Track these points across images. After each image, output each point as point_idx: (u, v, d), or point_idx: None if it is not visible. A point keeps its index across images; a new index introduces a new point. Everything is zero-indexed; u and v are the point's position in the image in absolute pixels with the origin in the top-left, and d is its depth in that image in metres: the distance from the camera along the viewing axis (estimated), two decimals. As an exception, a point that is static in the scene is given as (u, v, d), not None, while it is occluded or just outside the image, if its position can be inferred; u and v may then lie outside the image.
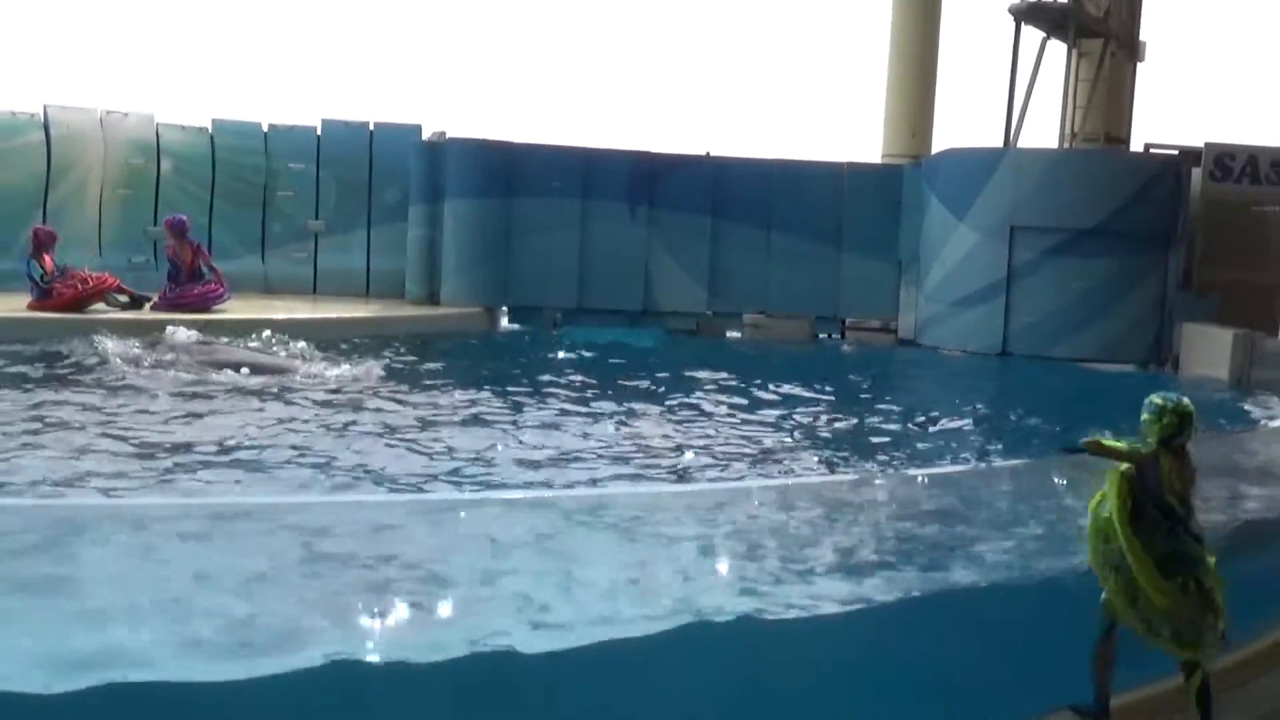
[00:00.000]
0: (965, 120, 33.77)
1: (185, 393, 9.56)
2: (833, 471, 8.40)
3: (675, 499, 6.01)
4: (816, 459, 8.76)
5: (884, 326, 15.76)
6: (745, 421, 10.03)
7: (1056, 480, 5.94)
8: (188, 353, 10.77)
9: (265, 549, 4.54)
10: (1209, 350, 12.92)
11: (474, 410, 9.84)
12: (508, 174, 15.13)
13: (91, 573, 4.29)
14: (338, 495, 6.74)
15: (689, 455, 8.54)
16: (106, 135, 14.86)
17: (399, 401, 9.83)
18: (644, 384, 11.55)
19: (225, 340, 11.42)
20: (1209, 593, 4.33)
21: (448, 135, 15.71)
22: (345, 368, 10.93)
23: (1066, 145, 17.10)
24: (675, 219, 15.50)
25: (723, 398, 11.01)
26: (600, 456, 8.39)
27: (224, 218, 15.35)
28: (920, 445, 9.50)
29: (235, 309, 13.17)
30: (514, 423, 9.36)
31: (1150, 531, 4.32)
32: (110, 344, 10.90)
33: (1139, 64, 18.82)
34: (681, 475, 7.97)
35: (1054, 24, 17.05)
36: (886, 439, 9.65)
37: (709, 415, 10.21)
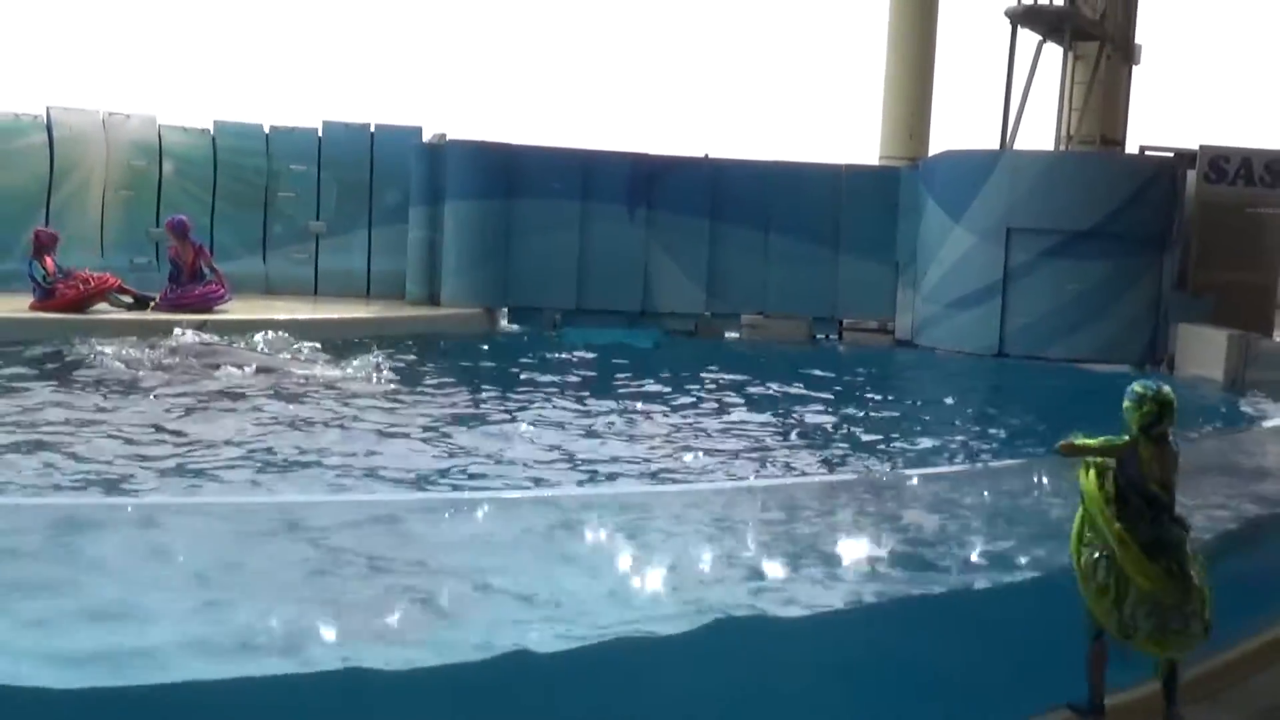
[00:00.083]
0: (962, 123, 33.88)
1: (188, 393, 9.57)
2: (829, 471, 8.40)
3: (675, 498, 6.00)
4: (813, 458, 8.77)
5: (881, 327, 15.83)
6: (743, 421, 10.05)
7: (1047, 479, 5.97)
8: (191, 354, 10.78)
9: (273, 549, 4.55)
10: (1204, 351, 12.96)
11: (476, 410, 9.87)
12: (507, 176, 15.18)
13: (99, 571, 4.30)
14: (343, 495, 6.76)
15: (688, 455, 8.55)
16: (109, 137, 14.92)
17: (403, 401, 9.86)
18: (643, 384, 11.58)
19: (225, 340, 11.43)
20: (1191, 578, 4.36)
21: (448, 137, 15.77)
22: (349, 368, 10.96)
23: (1062, 148, 17.19)
24: (674, 220, 15.55)
25: (721, 398, 11.05)
26: (600, 456, 8.41)
27: (225, 219, 15.40)
28: (915, 445, 9.53)
29: (236, 309, 13.21)
30: (515, 422, 9.37)
31: (1134, 519, 4.35)
32: (112, 345, 10.90)
33: (1134, 67, 18.91)
34: (680, 474, 7.98)
35: (1050, 27, 17.16)
36: (883, 439, 9.66)
37: (708, 415, 10.24)
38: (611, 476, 7.83)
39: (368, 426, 8.79)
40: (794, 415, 10.36)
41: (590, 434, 9.15)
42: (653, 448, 8.76)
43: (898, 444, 9.55)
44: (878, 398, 11.89)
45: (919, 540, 5.33)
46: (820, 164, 15.93)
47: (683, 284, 15.63)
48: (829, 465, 8.63)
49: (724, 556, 4.95)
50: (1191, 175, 14.64)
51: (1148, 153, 15.67)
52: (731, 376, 12.06)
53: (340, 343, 12.20)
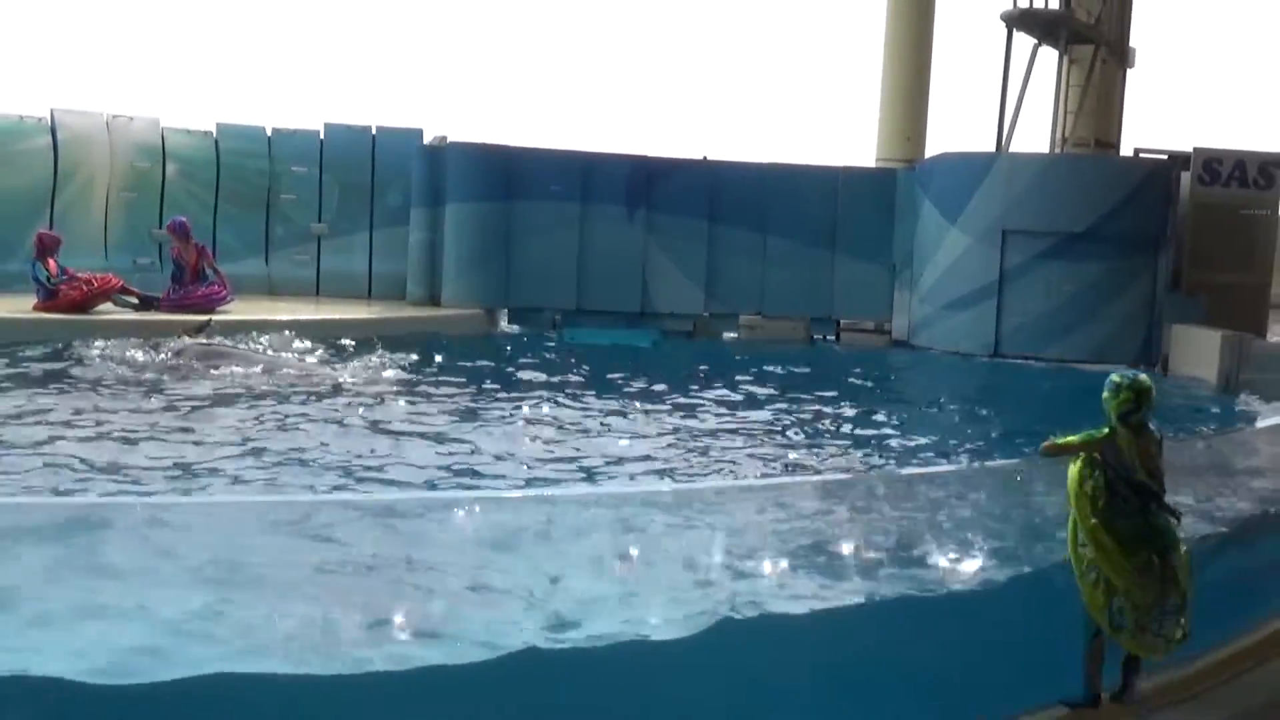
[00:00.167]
0: (958, 126, 33.99)
1: (191, 394, 9.59)
2: (825, 470, 8.37)
3: (674, 497, 5.96)
4: (812, 458, 8.75)
5: (878, 328, 15.91)
6: (741, 420, 10.08)
7: (1042, 478, 5.99)
8: (193, 355, 10.81)
9: (278, 547, 4.52)
10: (1198, 351, 13.03)
11: (477, 409, 9.88)
12: (508, 178, 15.25)
13: (105, 570, 4.28)
14: (346, 494, 6.76)
15: (687, 454, 8.57)
16: (112, 139, 14.97)
17: (404, 401, 9.88)
18: (642, 384, 11.60)
19: (227, 341, 11.47)
20: (1173, 570, 4.38)
21: (449, 139, 15.82)
22: (351, 369, 11.00)
23: (1057, 150, 17.25)
24: (673, 222, 15.62)
25: (719, 397, 11.08)
26: (599, 455, 8.42)
27: (228, 220, 15.48)
28: (911, 444, 9.56)
29: (239, 310, 13.26)
30: (516, 422, 9.39)
31: (1122, 510, 4.37)
32: (115, 346, 10.95)
33: (1129, 70, 18.98)
34: (680, 473, 7.99)
35: (1045, 31, 17.24)
36: (879, 438, 9.70)
37: (706, 414, 10.26)
38: (611, 475, 7.85)
39: (370, 426, 8.80)
40: (792, 415, 10.38)
41: (589, 433, 9.16)
42: (652, 447, 8.77)
43: (893, 443, 9.57)
44: (874, 398, 11.90)
45: (918, 539, 5.31)
46: (818, 166, 16.00)
47: (681, 285, 15.70)
48: (827, 464, 8.59)
49: (724, 556, 4.92)
50: (1185, 177, 14.66)
51: (1142, 155, 15.66)
52: (729, 376, 12.08)
53: (342, 343, 12.24)
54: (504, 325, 15.65)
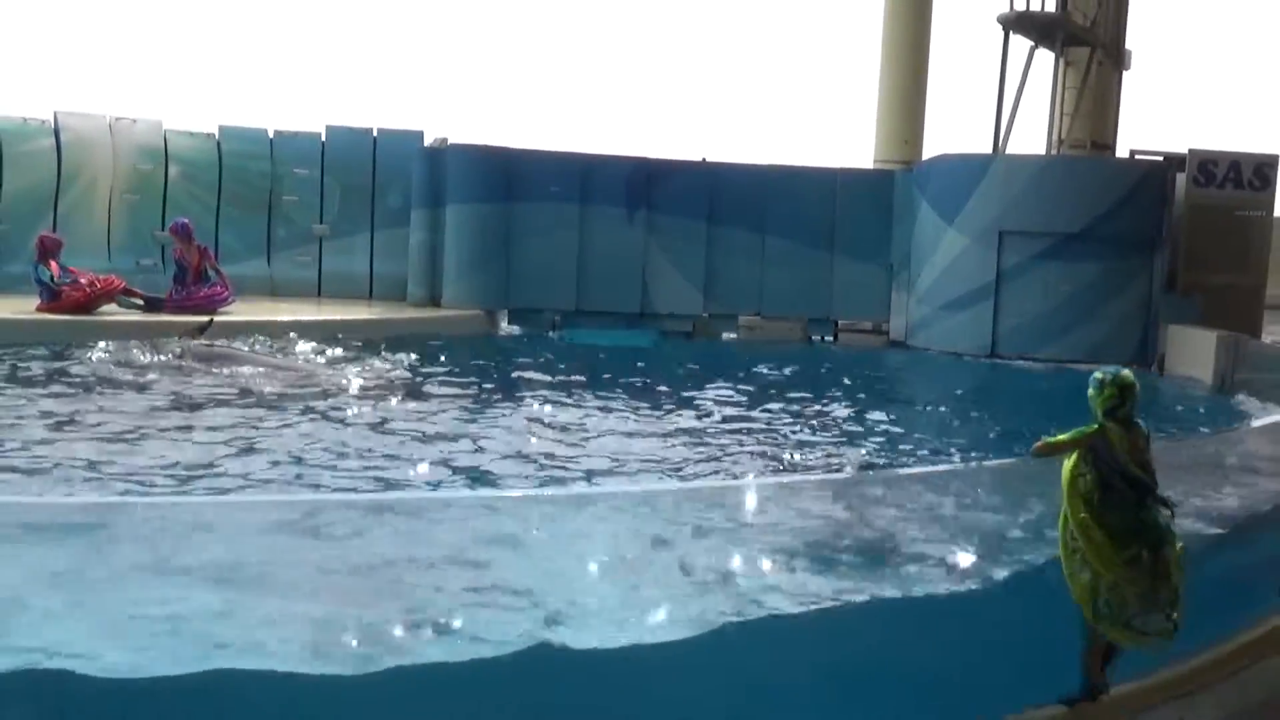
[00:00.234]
0: (955, 127, 34.08)
1: (193, 394, 9.60)
2: (822, 470, 8.34)
3: (675, 497, 5.84)
4: (807, 457, 8.71)
5: (876, 328, 15.96)
6: (740, 420, 10.12)
7: (1036, 478, 6.00)
8: (195, 355, 10.83)
9: (283, 547, 4.53)
10: (1193, 351, 13.06)
11: (478, 409, 9.90)
12: (508, 179, 15.32)
13: (112, 568, 4.29)
14: (353, 494, 6.74)
15: (687, 453, 8.59)
16: (115, 141, 15.07)
17: (405, 401, 9.90)
18: (641, 384, 11.65)
19: (229, 341, 11.52)
20: (1165, 565, 4.39)
21: (449, 141, 15.90)
22: (352, 369, 11.03)
23: (1054, 152, 17.25)
24: (672, 223, 15.69)
25: (717, 397, 11.13)
26: (598, 454, 8.42)
27: (230, 222, 15.57)
28: (906, 444, 9.61)
29: (241, 311, 13.33)
30: (517, 421, 9.40)
31: (1114, 504, 4.38)
32: (117, 346, 10.96)
33: (1125, 72, 18.98)
34: (679, 473, 8.01)
35: (1042, 33, 17.27)
36: (875, 438, 9.71)
37: (705, 414, 10.30)
38: (612, 475, 7.85)
39: (371, 426, 8.80)
40: (790, 414, 10.42)
41: (590, 433, 9.18)
42: (652, 446, 8.79)
43: (890, 443, 9.61)
44: (871, 398, 11.91)
45: (915, 539, 5.31)
46: (816, 168, 16.08)
47: (680, 286, 15.77)
48: (825, 464, 8.54)
49: (725, 555, 4.93)
50: (1181, 179, 14.72)
51: (1138, 157, 15.72)
52: (728, 377, 12.14)
53: (343, 344, 12.27)
54: (504, 326, 15.71)
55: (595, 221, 15.56)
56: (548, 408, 10.06)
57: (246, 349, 11.45)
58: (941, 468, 8.18)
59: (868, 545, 5.16)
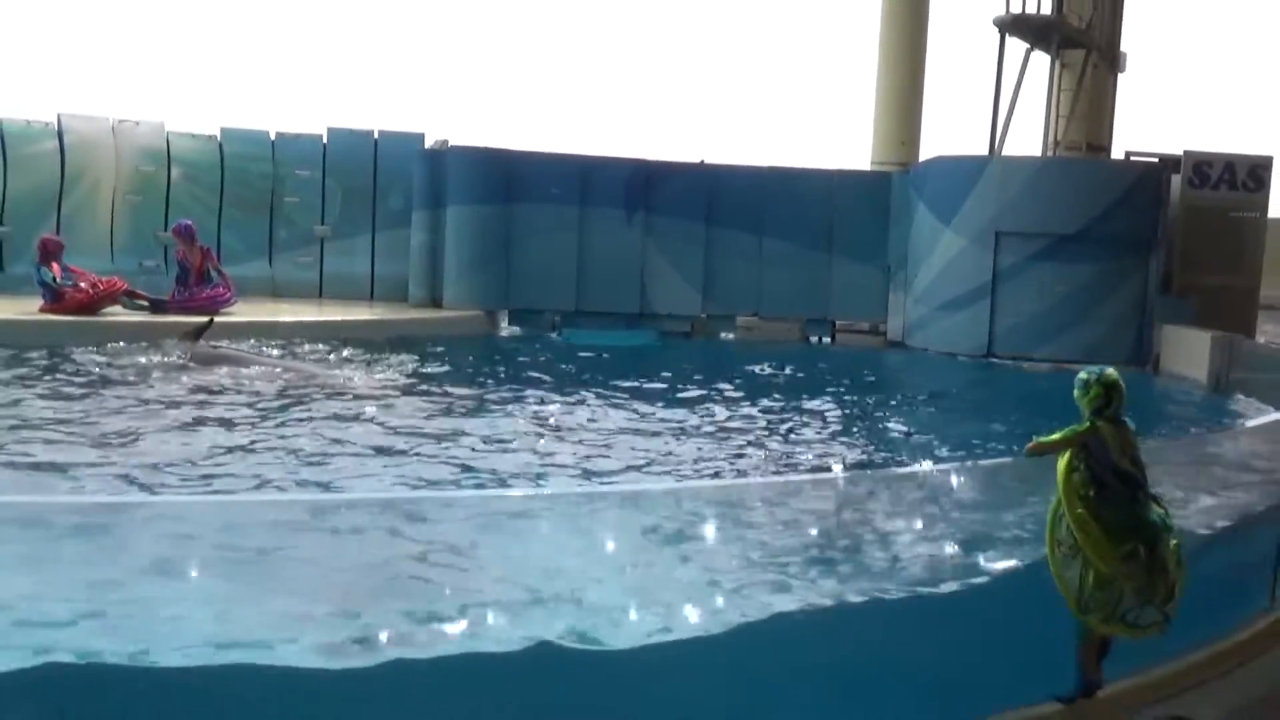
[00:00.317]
0: (952, 129, 34.15)
1: (195, 395, 9.64)
2: (820, 469, 8.32)
3: (673, 496, 5.76)
4: (805, 457, 8.77)
5: (873, 329, 16.03)
6: (739, 419, 10.14)
7: (1027, 478, 6.01)
8: (197, 356, 10.90)
9: (285, 546, 4.50)
10: (1188, 352, 13.12)
11: (479, 409, 9.94)
12: (508, 181, 15.41)
13: (121, 566, 4.26)
14: (355, 493, 6.77)
15: (686, 453, 8.59)
16: (118, 143, 15.18)
17: (407, 401, 9.93)
18: (642, 384, 11.66)
19: (228, 343, 11.58)
20: (1162, 560, 4.41)
21: (450, 143, 15.99)
22: (354, 370, 11.10)
23: (1050, 153, 17.27)
24: (670, 224, 15.77)
25: (716, 396, 11.17)
26: (598, 454, 8.43)
27: (232, 223, 15.67)
28: (903, 443, 9.64)
29: (242, 312, 13.40)
30: (518, 421, 9.44)
31: (1109, 500, 4.42)
32: (119, 347, 11.04)
33: (1120, 74, 19.05)
34: (679, 472, 8.02)
35: (1037, 36, 17.34)
36: (873, 438, 9.76)
37: (704, 413, 10.30)
38: (611, 475, 7.85)
39: (373, 426, 8.83)
40: (788, 414, 10.46)
41: (591, 432, 9.20)
42: (651, 445, 8.81)
43: (887, 442, 9.65)
44: (868, 398, 11.97)
45: (912, 538, 5.30)
46: (813, 169, 16.17)
47: (679, 286, 15.86)
48: (823, 463, 8.54)
49: (725, 555, 4.94)
50: (1176, 180, 14.77)
51: (1133, 158, 15.74)
52: (727, 376, 12.18)
53: (345, 345, 12.36)
54: (504, 327, 15.78)
55: (594, 223, 15.64)
56: (548, 407, 10.10)
57: (248, 350, 11.50)
58: (936, 467, 8.09)
59: (866, 545, 5.16)
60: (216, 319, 12.60)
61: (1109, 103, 18.84)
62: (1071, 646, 4.66)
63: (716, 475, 8.06)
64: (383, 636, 4.06)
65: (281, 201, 16.00)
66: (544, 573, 4.57)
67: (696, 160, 16.43)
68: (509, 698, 4.05)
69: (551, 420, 9.58)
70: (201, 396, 9.64)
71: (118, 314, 12.82)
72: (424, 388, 10.73)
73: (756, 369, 13.02)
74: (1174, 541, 4.51)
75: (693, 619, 4.41)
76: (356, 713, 3.95)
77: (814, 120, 38.45)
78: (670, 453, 8.59)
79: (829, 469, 8.34)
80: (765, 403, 11.01)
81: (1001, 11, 17.21)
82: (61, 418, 8.52)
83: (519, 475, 7.66)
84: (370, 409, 9.48)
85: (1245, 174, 14.86)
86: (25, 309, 12.54)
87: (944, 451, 9.33)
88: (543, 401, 10.40)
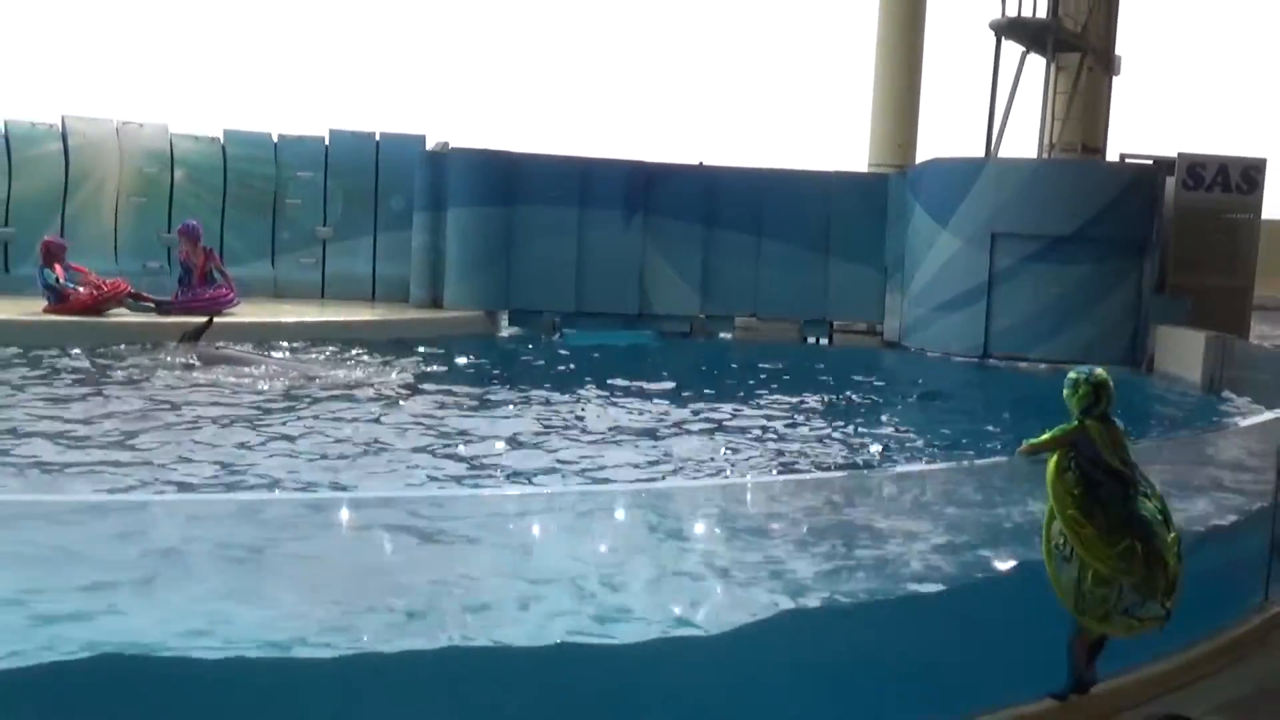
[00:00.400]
0: (948, 131, 34.21)
1: (196, 395, 9.67)
2: (818, 469, 8.40)
3: (672, 495, 5.72)
4: (802, 456, 8.82)
5: (870, 329, 16.11)
6: (738, 419, 10.17)
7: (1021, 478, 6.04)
8: (199, 356, 10.94)
9: (286, 545, 4.52)
10: (1183, 352, 13.18)
11: (480, 409, 9.98)
12: (508, 183, 15.47)
13: (129, 564, 4.30)
14: (357, 492, 6.81)
15: (686, 451, 8.64)
16: (122, 145, 15.23)
17: (408, 401, 9.98)
18: (641, 384, 11.66)
19: (230, 343, 11.61)
20: (1159, 555, 4.45)
21: (451, 145, 16.03)
22: (356, 370, 11.14)
23: (1045, 155, 17.39)
24: (669, 225, 15.84)
25: (716, 396, 11.25)
26: (597, 453, 8.47)
27: (235, 225, 15.72)
28: (899, 443, 9.69)
29: (245, 313, 13.45)
30: (519, 420, 9.47)
31: (1101, 498, 4.47)
32: (123, 348, 11.09)
33: (1115, 77, 19.14)
34: (679, 471, 8.04)
35: (1033, 39, 17.46)
36: (870, 438, 9.74)
37: (703, 413, 10.34)
38: (611, 474, 7.90)
39: (375, 425, 8.85)
40: (786, 414, 10.50)
41: (589, 431, 9.25)
42: (651, 445, 8.85)
43: (883, 442, 9.64)
44: (865, 398, 12.01)
45: (911, 538, 5.32)
46: (811, 171, 16.24)
47: (678, 287, 15.94)
48: (820, 463, 8.63)
49: (724, 554, 4.97)
50: (1170, 182, 14.84)
51: (1128, 160, 15.79)
52: (725, 376, 12.29)
53: (346, 345, 12.41)
54: (505, 327, 15.84)
55: (594, 224, 15.71)
56: (549, 407, 10.15)
57: (250, 351, 11.54)
58: (932, 466, 8.17)
59: (865, 544, 5.19)
60: (219, 320, 12.62)
61: (1104, 105, 18.93)
62: (1064, 644, 4.74)
63: (718, 474, 8.10)
64: (383, 635, 4.12)
65: (284, 203, 16.06)
66: (544, 572, 4.61)
67: (695, 162, 16.50)
68: (510, 695, 4.09)
69: (550, 419, 9.61)
70: (204, 396, 9.68)
71: (122, 315, 12.87)
72: (425, 387, 10.77)
73: (755, 369, 13.08)
74: (1172, 534, 4.55)
75: (693, 618, 4.45)
76: (356, 711, 3.98)
77: (812, 122, 38.57)
78: (670, 453, 8.61)
79: (829, 469, 8.40)
80: (764, 403, 11.07)
81: (998, 15, 17.32)
82: (65, 417, 8.55)
83: (518, 474, 7.69)
84: (372, 408, 9.53)
85: (1239, 176, 14.93)
86: (30, 310, 12.58)
87: (940, 451, 9.39)
88: (542, 401, 10.42)
